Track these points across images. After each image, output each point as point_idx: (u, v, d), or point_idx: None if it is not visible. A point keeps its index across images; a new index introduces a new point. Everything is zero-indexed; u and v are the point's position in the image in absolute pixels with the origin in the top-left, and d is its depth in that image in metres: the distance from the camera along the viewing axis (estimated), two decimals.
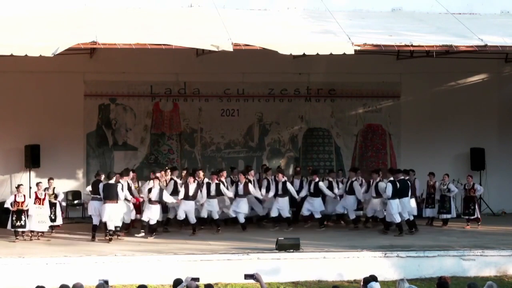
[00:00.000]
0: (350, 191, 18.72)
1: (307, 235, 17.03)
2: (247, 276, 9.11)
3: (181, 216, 17.78)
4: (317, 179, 18.62)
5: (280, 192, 18.42)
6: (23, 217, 16.90)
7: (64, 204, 19.77)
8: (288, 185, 18.48)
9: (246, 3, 18.21)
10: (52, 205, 17.71)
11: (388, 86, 21.91)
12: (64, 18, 16.62)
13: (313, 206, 18.64)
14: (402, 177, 18.12)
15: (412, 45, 15.91)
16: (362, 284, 10.37)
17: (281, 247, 15.34)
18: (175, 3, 17.98)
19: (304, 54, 16.15)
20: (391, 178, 17.93)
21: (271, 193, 18.56)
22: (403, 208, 17.84)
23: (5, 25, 15.87)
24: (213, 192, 17.94)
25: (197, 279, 9.52)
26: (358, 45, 15.47)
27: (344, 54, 15.40)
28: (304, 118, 21.78)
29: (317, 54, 15.62)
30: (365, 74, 21.11)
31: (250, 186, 18.27)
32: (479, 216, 19.09)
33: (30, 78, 19.85)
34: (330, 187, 18.81)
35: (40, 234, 17.32)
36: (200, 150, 21.42)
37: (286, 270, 14.99)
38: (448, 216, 19.17)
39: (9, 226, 17.01)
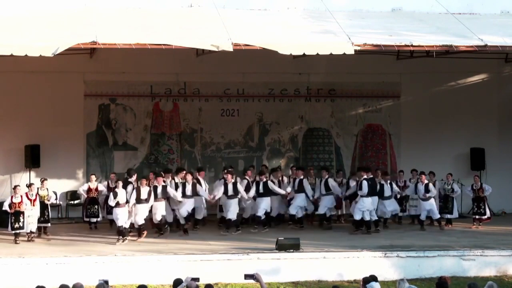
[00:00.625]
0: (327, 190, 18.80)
1: (307, 235, 17.04)
2: (247, 276, 9.12)
3: (138, 221, 17.16)
4: (264, 179, 18.38)
5: (231, 192, 17.98)
6: (21, 218, 16.75)
7: (63, 204, 19.83)
8: (238, 186, 18.10)
9: (246, 3, 18.21)
10: (46, 206, 17.61)
11: (388, 86, 21.90)
12: (64, 18, 16.62)
13: (259, 206, 18.31)
14: (372, 176, 18.38)
15: (412, 45, 15.92)
16: (362, 284, 10.38)
17: (281, 247, 15.35)
18: (175, 3, 17.98)
19: (304, 54, 16.14)
20: (365, 176, 18.11)
21: (292, 191, 18.51)
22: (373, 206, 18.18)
23: (5, 25, 15.86)
24: (159, 195, 17.44)
25: (197, 279, 9.53)
26: (358, 45, 15.47)
27: (344, 54, 15.41)
28: (304, 118, 21.78)
29: (317, 54, 15.62)
30: (365, 74, 21.11)
31: (198, 187, 17.90)
32: (489, 215, 19.12)
33: (30, 78, 19.83)
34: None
35: (34, 234, 17.12)
36: (200, 150, 21.42)
37: (286, 270, 15.00)
38: (451, 216, 19.17)
39: (9, 228, 16.80)
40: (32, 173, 19.98)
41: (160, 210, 17.49)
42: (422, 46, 16.11)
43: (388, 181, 18.83)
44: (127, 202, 17.06)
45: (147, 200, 17.18)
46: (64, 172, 20.27)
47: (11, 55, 14.64)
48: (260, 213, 18.23)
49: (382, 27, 17.11)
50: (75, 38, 14.86)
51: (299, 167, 19.68)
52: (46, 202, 17.57)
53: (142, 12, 17.38)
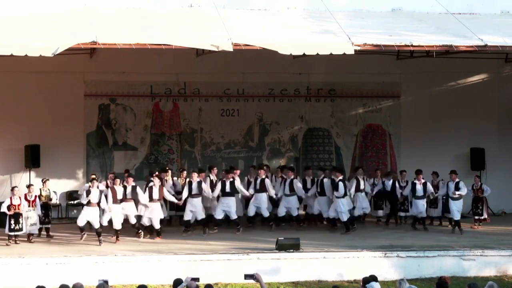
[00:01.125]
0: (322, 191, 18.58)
1: (307, 235, 17.04)
2: (247, 276, 9.13)
3: (116, 226, 16.91)
4: (231, 178, 18.00)
5: (195, 191, 17.62)
6: (20, 220, 16.62)
7: (63, 204, 19.82)
8: (203, 185, 17.80)
9: (246, 3, 18.22)
10: (49, 207, 17.54)
11: (388, 86, 21.91)
12: (64, 18, 16.62)
13: (229, 207, 17.94)
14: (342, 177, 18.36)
15: (412, 45, 15.91)
16: (362, 284, 10.39)
17: (281, 247, 15.34)
18: (175, 3, 17.99)
19: (304, 54, 16.14)
20: (341, 177, 18.09)
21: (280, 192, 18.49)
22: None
23: (5, 25, 15.87)
24: (128, 195, 17.10)
25: (197, 279, 9.54)
26: (358, 45, 15.47)
27: (344, 54, 15.41)
28: (304, 118, 21.78)
29: (317, 54, 15.61)
30: (365, 74, 21.11)
31: (165, 190, 17.45)
32: (486, 217, 19.09)
33: (30, 78, 19.84)
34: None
35: (32, 236, 17.04)
36: (200, 150, 21.42)
37: (286, 270, 14.99)
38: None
39: (6, 230, 16.65)
40: (32, 173, 19.98)
41: (132, 211, 17.20)
42: (422, 46, 16.10)
43: (422, 181, 18.53)
44: (99, 202, 16.78)
45: (121, 201, 17.02)
46: (64, 172, 20.27)
47: (11, 55, 14.64)
48: (220, 215, 17.94)
49: (382, 27, 17.11)
50: (75, 38, 14.86)
51: (289, 168, 19.45)
52: (50, 202, 17.49)
53: (142, 12, 17.39)
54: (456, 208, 18.32)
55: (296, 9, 18.44)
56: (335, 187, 17.98)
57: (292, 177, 18.56)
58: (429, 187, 18.68)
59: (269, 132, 21.70)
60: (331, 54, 15.54)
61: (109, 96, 20.90)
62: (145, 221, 17.34)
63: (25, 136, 19.98)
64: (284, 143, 21.80)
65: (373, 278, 10.47)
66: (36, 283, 10.38)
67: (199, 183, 17.77)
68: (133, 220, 17.28)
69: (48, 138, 20.08)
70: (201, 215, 17.76)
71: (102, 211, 16.99)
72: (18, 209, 16.64)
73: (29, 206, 16.88)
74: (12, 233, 16.62)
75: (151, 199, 17.27)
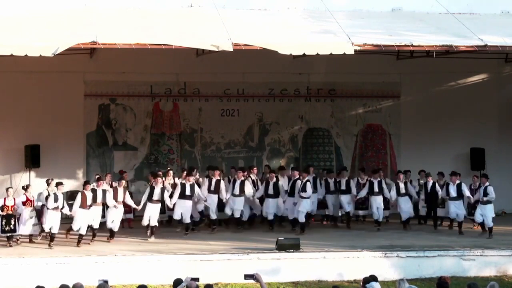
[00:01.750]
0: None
1: (307, 235, 17.06)
2: (247, 276, 9.13)
3: (109, 225, 16.97)
4: (192, 181, 17.77)
5: (156, 197, 17.41)
6: (12, 221, 16.46)
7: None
8: (165, 192, 17.63)
9: (246, 3, 18.22)
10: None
11: (388, 86, 21.91)
12: (64, 18, 16.63)
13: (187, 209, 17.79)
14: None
15: (412, 45, 15.94)
16: (362, 284, 10.39)
17: (281, 247, 15.35)
18: (175, 3, 17.99)
19: (304, 54, 16.16)
20: (307, 178, 18.11)
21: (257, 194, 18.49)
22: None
23: (5, 25, 15.88)
24: (99, 199, 16.94)
25: (197, 279, 9.54)
26: (358, 45, 15.49)
27: (344, 54, 15.43)
28: (304, 118, 21.78)
29: (317, 54, 15.64)
30: (365, 74, 21.11)
31: (127, 194, 17.42)
32: None
33: (30, 78, 19.84)
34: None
35: (31, 236, 16.97)
36: (200, 150, 21.43)
37: (286, 270, 15.00)
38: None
39: None
40: (32, 173, 19.99)
41: (98, 216, 17.06)
42: (422, 46, 16.12)
43: (457, 183, 18.17)
44: (63, 207, 16.69)
45: (90, 206, 16.80)
46: (64, 172, 20.20)
47: (11, 55, 14.65)
48: (176, 216, 17.68)
49: (382, 27, 17.11)
50: (75, 38, 14.88)
51: (240, 168, 19.19)
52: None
53: (142, 12, 17.39)
54: (481, 212, 17.88)
55: (296, 9, 18.44)
56: (303, 187, 17.89)
57: (243, 178, 18.34)
58: (465, 190, 18.23)
59: (269, 132, 21.70)
60: (331, 54, 15.56)
61: (109, 96, 20.91)
62: (109, 224, 17.18)
63: (25, 136, 19.98)
64: (284, 143, 21.81)
65: (373, 278, 10.47)
66: (36, 283, 10.39)
67: (162, 189, 17.50)
68: (95, 226, 17.00)
69: (48, 138, 20.08)
70: (154, 222, 17.34)
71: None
72: (11, 210, 16.52)
73: (30, 206, 16.85)
74: (4, 234, 16.45)
75: (116, 201, 17.16)
